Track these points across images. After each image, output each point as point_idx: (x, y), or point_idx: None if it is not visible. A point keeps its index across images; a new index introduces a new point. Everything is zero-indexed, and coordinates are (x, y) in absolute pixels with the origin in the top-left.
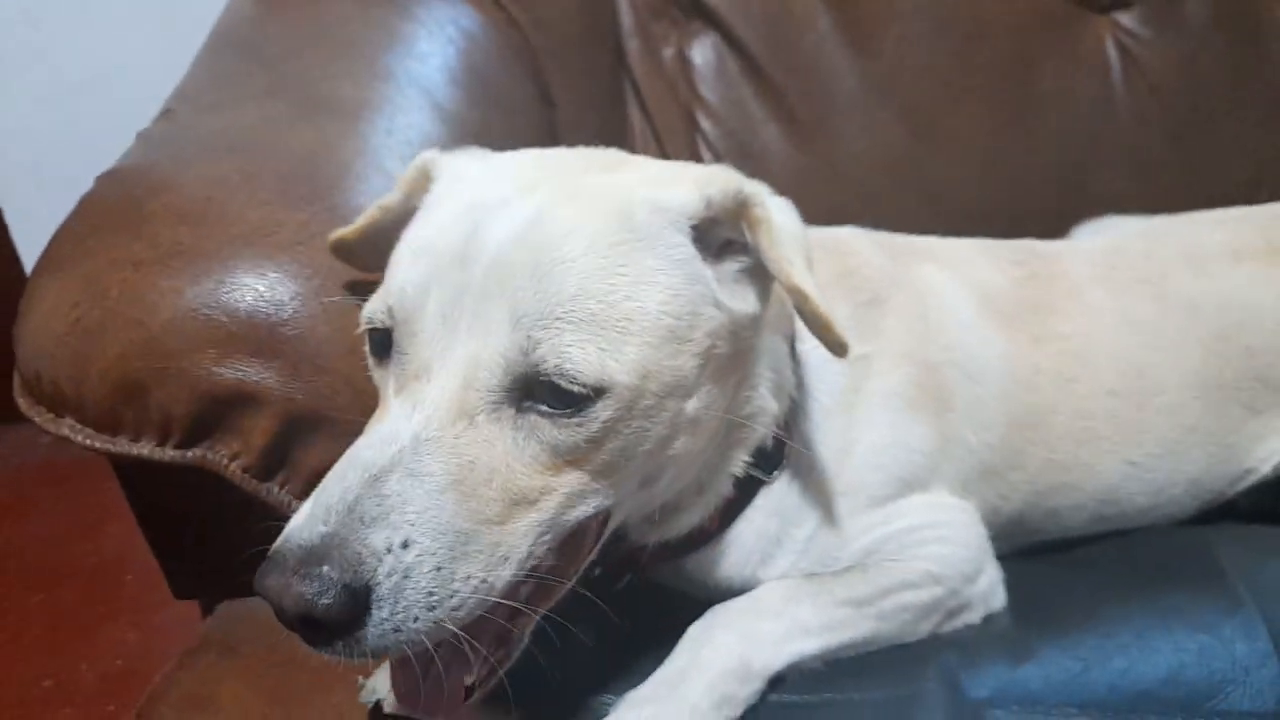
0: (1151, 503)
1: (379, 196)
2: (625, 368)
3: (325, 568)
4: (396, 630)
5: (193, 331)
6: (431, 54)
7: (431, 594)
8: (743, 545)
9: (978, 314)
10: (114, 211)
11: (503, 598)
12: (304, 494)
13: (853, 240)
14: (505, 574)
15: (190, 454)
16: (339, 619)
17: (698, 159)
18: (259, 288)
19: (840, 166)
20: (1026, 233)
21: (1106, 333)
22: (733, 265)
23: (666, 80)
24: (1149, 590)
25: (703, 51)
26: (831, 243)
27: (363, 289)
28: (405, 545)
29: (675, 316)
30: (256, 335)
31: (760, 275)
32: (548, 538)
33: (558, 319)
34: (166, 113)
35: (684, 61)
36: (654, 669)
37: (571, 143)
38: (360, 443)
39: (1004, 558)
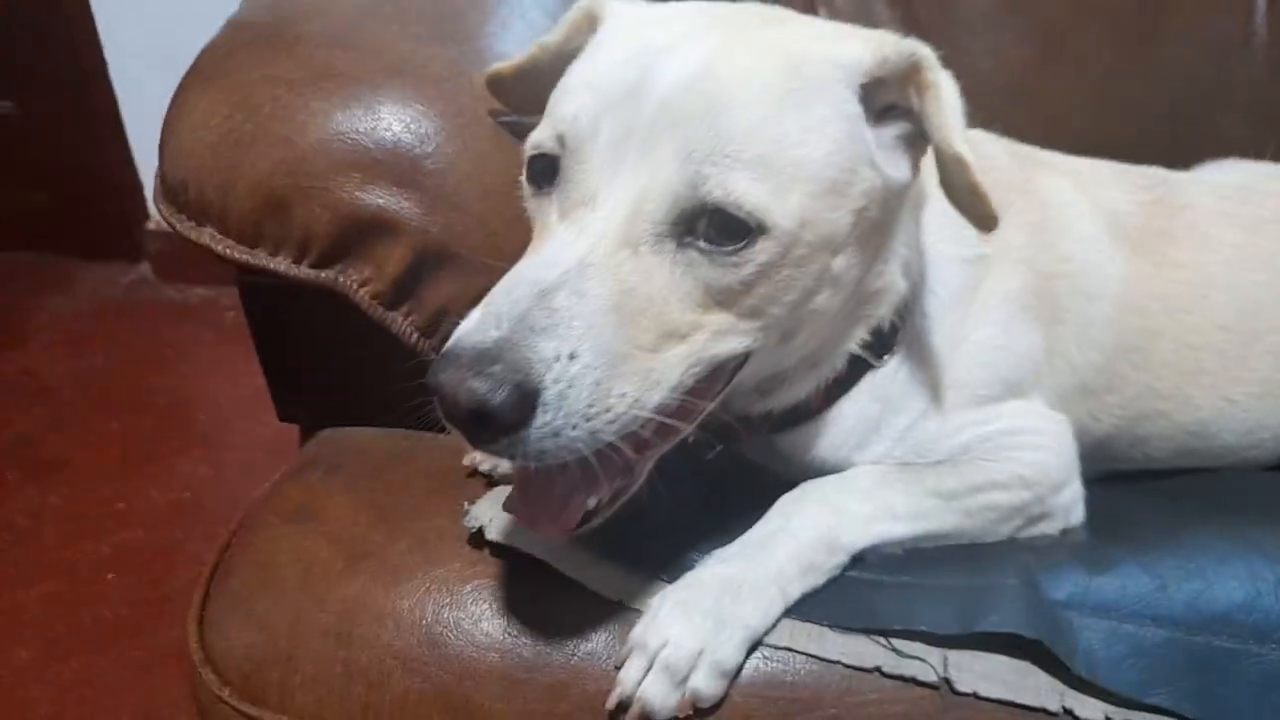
0: (1238, 443)
1: (523, 44)
2: (788, 212)
3: (498, 367)
4: (556, 435)
5: (339, 154)
6: None
7: (591, 405)
8: (842, 426)
9: (1102, 233)
10: (265, 31)
11: (646, 420)
12: (427, 327)
13: (984, 144)
14: (656, 397)
15: (323, 275)
16: (508, 417)
17: None
18: (405, 119)
19: (963, 81)
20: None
21: (1226, 267)
22: (891, 130)
23: None
24: (1229, 523)
25: None
26: None
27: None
28: (572, 356)
29: (838, 170)
30: (399, 166)
31: (915, 145)
32: (697, 369)
33: (727, 156)
34: None
35: None
36: (736, 537)
37: None
38: (524, 263)
39: (1084, 482)
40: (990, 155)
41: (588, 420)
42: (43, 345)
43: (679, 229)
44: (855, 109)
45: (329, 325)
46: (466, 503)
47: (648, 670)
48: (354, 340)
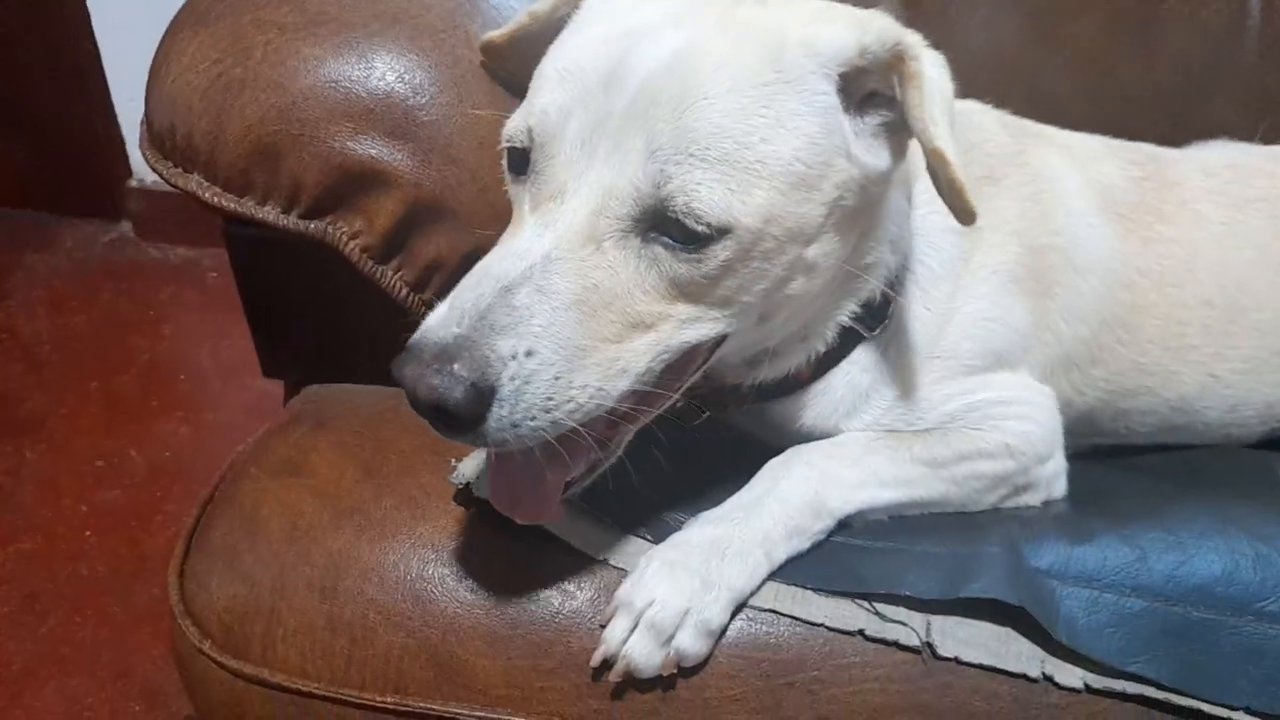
0: (1221, 420)
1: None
2: (750, 210)
3: (456, 365)
4: (515, 426)
5: (331, 102)
6: None
7: (549, 399)
8: (831, 396)
9: (1093, 207)
10: None
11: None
12: (417, 283)
13: (978, 116)
14: (622, 384)
15: (312, 226)
16: (465, 412)
17: None
18: (399, 68)
19: (955, 58)
20: None
21: (1214, 243)
22: (874, 119)
23: None
24: (1210, 498)
25: None
26: (957, 116)
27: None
28: (529, 354)
29: (807, 164)
30: (392, 115)
31: (898, 131)
32: (666, 355)
33: (692, 155)
34: None
35: None
36: (724, 500)
37: None
38: (493, 254)
39: (1067, 456)
40: (982, 127)
41: (547, 412)
42: (21, 302)
43: (643, 225)
44: (832, 100)
45: (316, 279)
46: (454, 459)
47: (633, 629)
48: (342, 295)
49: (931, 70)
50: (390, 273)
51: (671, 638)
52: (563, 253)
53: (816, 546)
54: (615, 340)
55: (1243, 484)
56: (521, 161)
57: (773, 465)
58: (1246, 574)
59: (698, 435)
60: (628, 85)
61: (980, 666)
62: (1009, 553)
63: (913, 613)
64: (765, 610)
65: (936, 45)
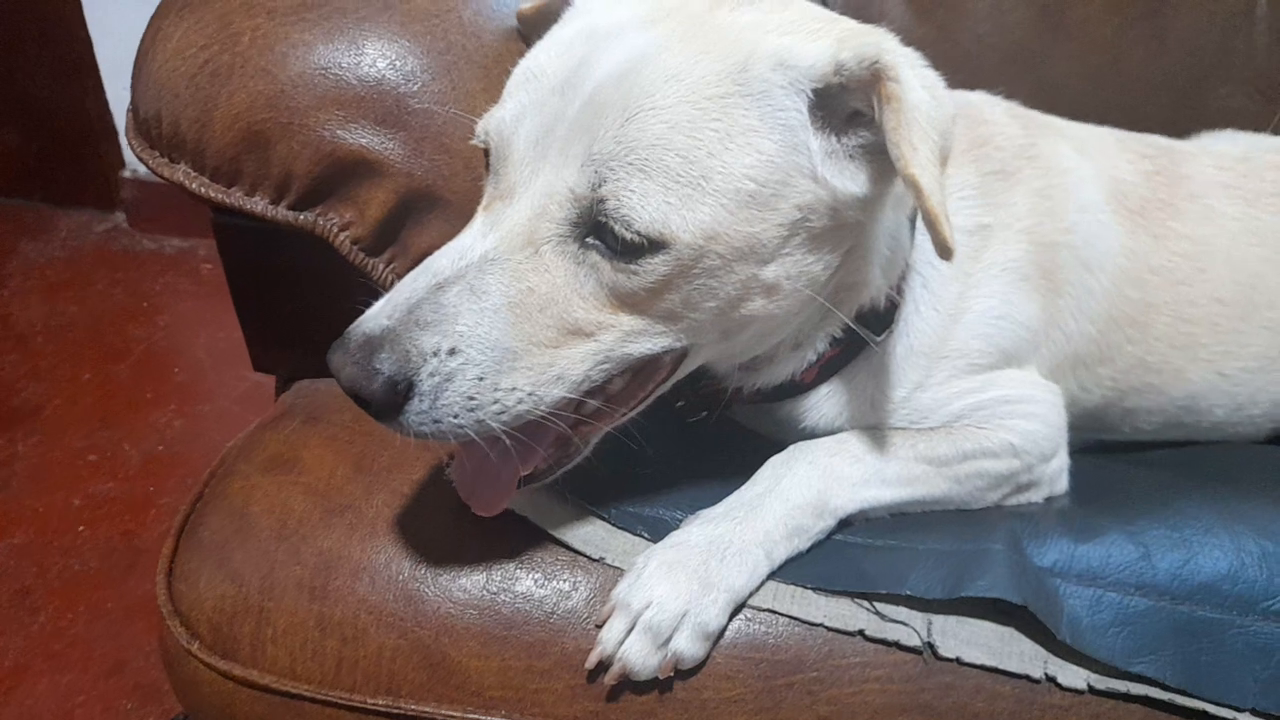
0: (1227, 418)
1: None
2: (690, 226)
3: (378, 357)
4: (436, 421)
5: (321, 89)
6: None
7: (472, 398)
8: (836, 400)
9: (1104, 202)
10: None
11: (560, 410)
12: None
13: (988, 109)
14: (556, 391)
15: (302, 217)
16: (381, 401)
17: None
18: (390, 55)
19: (961, 44)
20: None
21: (1226, 239)
22: (854, 139)
23: None
24: (1216, 495)
25: None
26: (966, 109)
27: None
28: (452, 352)
29: (759, 183)
30: (383, 103)
31: (881, 154)
32: (607, 366)
33: (629, 164)
34: None
35: None
36: (723, 498)
37: None
38: (441, 249)
39: (1071, 452)
40: (992, 121)
41: (470, 411)
42: (15, 292)
43: (580, 230)
44: (798, 118)
45: (307, 271)
46: (446, 456)
47: (630, 630)
48: (333, 288)
49: (913, 93)
50: (382, 265)
51: (669, 640)
52: (500, 254)
53: (817, 545)
54: (551, 345)
55: (1249, 481)
56: (488, 160)
57: (775, 462)
58: (1252, 571)
59: (698, 430)
60: (581, 90)
61: (982, 667)
62: (1012, 550)
63: (914, 612)
64: (764, 610)
65: (942, 30)
